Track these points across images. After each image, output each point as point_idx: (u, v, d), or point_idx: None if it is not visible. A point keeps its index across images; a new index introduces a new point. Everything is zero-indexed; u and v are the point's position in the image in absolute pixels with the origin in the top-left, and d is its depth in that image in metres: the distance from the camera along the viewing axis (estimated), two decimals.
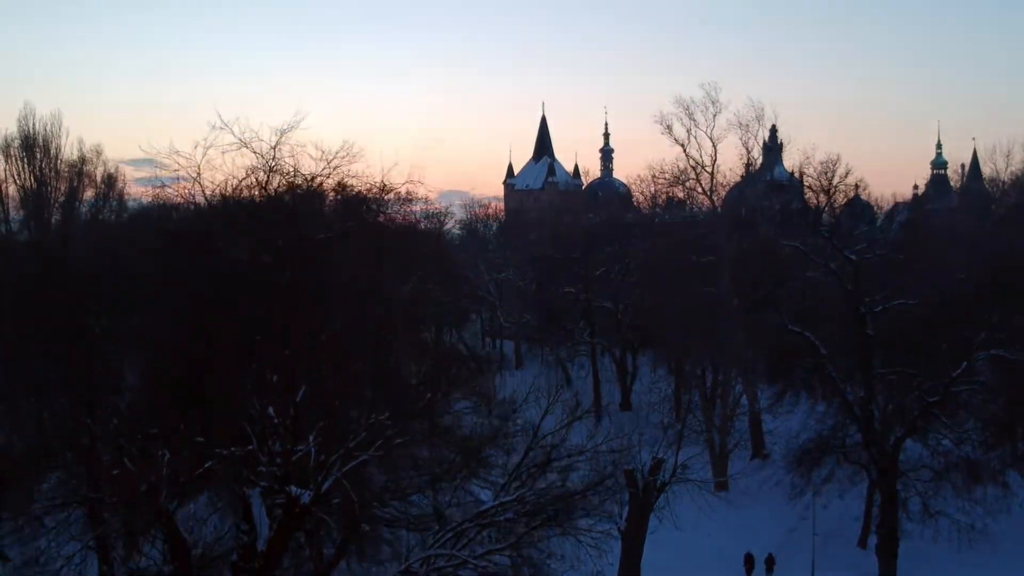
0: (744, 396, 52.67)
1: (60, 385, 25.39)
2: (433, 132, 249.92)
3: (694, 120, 51.92)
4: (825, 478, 37.40)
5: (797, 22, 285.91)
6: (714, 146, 52.53)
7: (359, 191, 35.35)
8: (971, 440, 36.03)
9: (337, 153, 31.15)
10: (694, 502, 34.09)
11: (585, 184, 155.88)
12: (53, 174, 62.04)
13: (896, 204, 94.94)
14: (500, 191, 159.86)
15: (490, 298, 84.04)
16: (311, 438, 14.89)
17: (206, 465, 15.69)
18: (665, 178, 58.68)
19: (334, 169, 31.29)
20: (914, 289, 40.75)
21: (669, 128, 52.59)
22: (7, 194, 61.08)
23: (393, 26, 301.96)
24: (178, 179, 28.69)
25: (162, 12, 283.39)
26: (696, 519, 35.41)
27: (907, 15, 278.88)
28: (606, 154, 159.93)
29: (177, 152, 27.62)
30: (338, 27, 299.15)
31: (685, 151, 52.87)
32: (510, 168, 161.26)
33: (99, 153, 64.75)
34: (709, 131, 52.12)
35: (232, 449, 15.32)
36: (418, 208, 52.80)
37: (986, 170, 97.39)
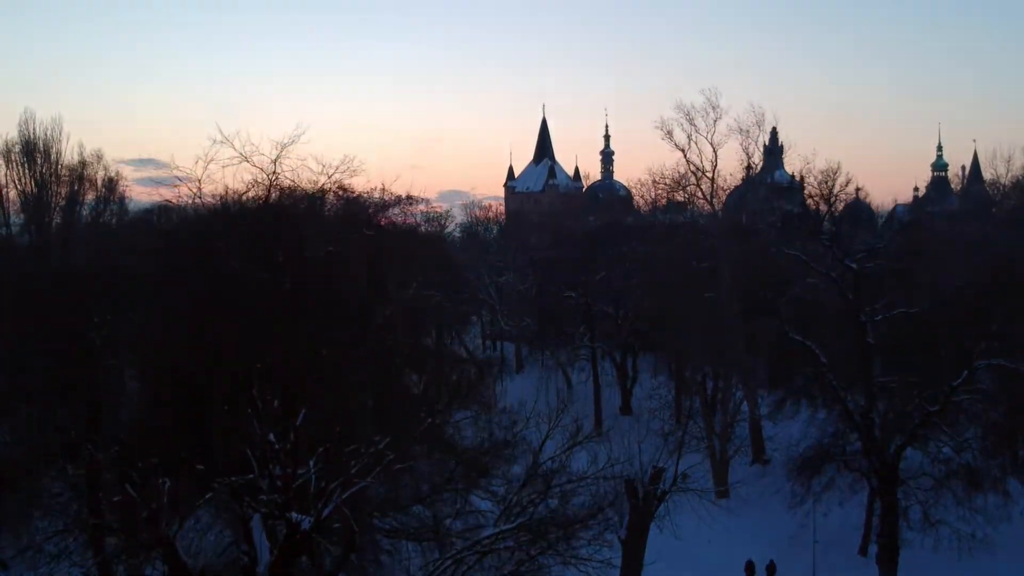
0: (745, 402, 52.69)
1: (61, 393, 25.34)
2: (433, 132, 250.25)
3: (695, 126, 51.99)
4: (825, 486, 37.40)
5: (798, 25, 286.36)
6: (714, 151, 52.57)
7: (359, 194, 35.45)
8: (972, 448, 36.02)
9: (338, 168, 31.30)
10: (695, 511, 34.06)
11: (585, 186, 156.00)
12: (54, 178, 62.08)
13: (896, 206, 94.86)
14: (500, 191, 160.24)
15: (490, 301, 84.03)
16: (311, 463, 14.93)
17: (207, 496, 15.75)
18: (665, 183, 58.99)
19: (335, 184, 31.42)
20: (915, 296, 40.74)
21: (670, 134, 52.68)
22: (8, 198, 61.19)
23: (393, 26, 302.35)
24: (179, 180, 28.89)
25: (162, 11, 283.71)
26: (696, 527, 35.37)
27: (908, 17, 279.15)
28: (606, 156, 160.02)
29: (178, 168, 27.74)
30: (338, 28, 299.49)
31: (686, 156, 52.94)
32: (511, 170, 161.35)
33: (100, 157, 65.06)
34: (710, 136, 52.17)
35: (233, 479, 15.35)
36: (419, 209, 52.93)
37: (987, 174, 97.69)
